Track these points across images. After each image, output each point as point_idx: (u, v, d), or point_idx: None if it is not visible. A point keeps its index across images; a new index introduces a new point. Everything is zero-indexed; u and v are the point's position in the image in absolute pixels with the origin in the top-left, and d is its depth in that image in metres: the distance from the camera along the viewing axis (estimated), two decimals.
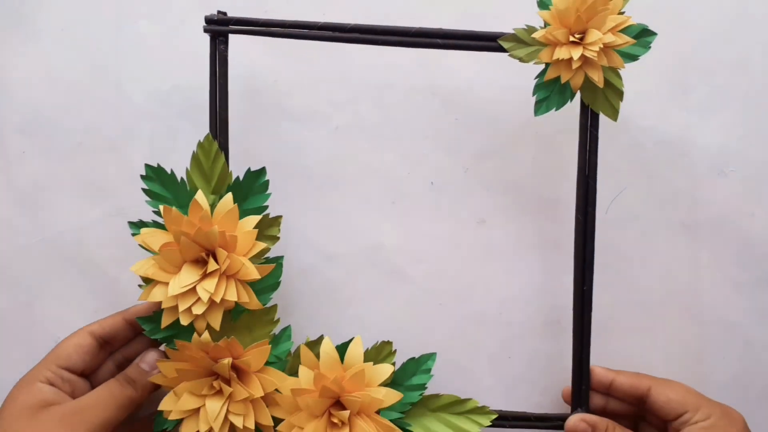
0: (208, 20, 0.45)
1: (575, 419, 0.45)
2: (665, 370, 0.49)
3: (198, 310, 0.41)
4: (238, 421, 0.42)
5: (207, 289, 0.41)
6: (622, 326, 0.50)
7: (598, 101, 0.45)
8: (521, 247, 0.50)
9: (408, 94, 0.50)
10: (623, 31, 0.43)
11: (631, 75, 0.50)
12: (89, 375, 0.44)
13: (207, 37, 0.49)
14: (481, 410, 0.44)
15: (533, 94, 0.45)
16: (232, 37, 0.45)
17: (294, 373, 0.43)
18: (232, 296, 0.42)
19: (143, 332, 0.44)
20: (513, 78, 0.50)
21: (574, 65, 0.43)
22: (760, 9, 0.50)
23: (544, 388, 0.50)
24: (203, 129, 0.49)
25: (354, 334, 0.44)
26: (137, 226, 0.43)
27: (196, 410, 0.42)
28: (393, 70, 0.50)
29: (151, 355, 0.44)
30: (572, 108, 0.50)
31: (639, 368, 0.47)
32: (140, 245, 0.43)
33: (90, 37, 0.50)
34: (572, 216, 0.50)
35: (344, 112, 0.50)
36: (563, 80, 0.44)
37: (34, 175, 0.49)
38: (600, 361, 0.47)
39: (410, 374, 0.45)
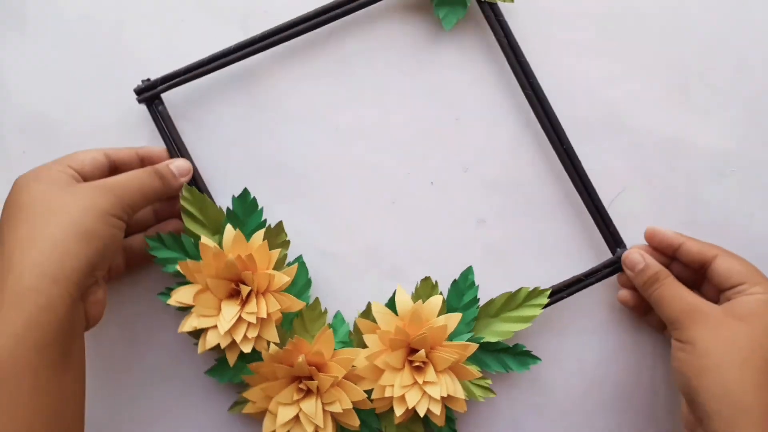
0: (138, 91, 0.47)
1: (634, 251, 0.46)
2: (665, 370, 0.49)
3: (252, 333, 0.43)
4: (336, 408, 0.44)
5: (251, 311, 0.43)
6: (623, 327, 0.49)
7: None
8: (521, 247, 0.50)
9: (408, 94, 0.50)
10: None
11: (631, 75, 0.50)
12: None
13: (207, 37, 0.50)
14: (535, 293, 0.47)
15: (435, 14, 0.49)
16: (230, 32, 0.47)
17: (362, 346, 0.46)
18: (274, 306, 0.44)
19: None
20: (513, 78, 0.50)
21: None
22: (760, 10, 0.50)
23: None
24: (203, 129, 0.50)
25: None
26: (166, 295, 0.46)
27: (296, 418, 0.44)
28: (393, 70, 0.50)
29: (181, 161, 0.46)
30: (573, 108, 0.50)
31: (641, 365, 0.47)
32: (177, 308, 0.46)
33: (90, 37, 0.50)
34: (573, 216, 0.50)
35: (344, 112, 0.50)
36: None
37: None
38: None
39: (460, 295, 0.47)
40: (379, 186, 0.50)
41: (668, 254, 0.46)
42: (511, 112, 0.50)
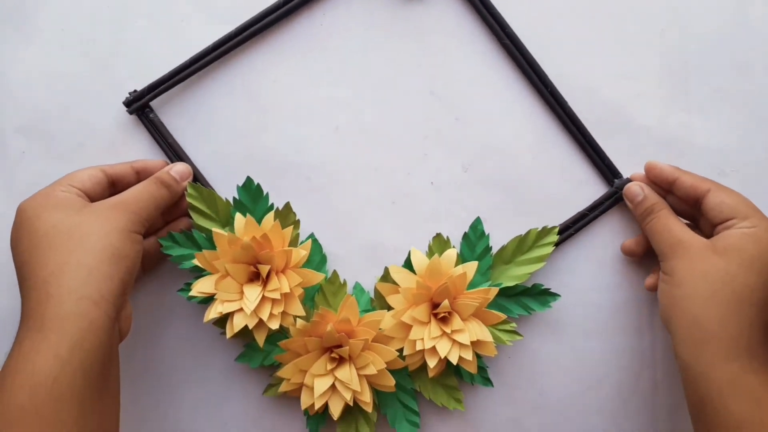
0: (128, 104, 0.48)
1: (634, 184, 0.47)
2: (665, 369, 0.49)
3: (278, 309, 0.44)
4: (370, 371, 0.44)
5: (273, 288, 0.44)
6: (622, 326, 0.49)
7: None
8: None
9: (408, 94, 0.50)
10: None
11: (631, 75, 0.50)
12: None
13: (207, 37, 0.50)
14: (544, 232, 0.48)
15: None
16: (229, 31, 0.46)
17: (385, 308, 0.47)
18: (296, 281, 0.44)
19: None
20: (513, 77, 0.50)
21: None
22: (760, 10, 0.50)
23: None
24: (203, 128, 0.50)
25: None
26: (186, 291, 0.46)
27: (333, 387, 0.45)
28: (393, 70, 0.50)
29: (180, 165, 0.46)
30: (573, 108, 0.50)
31: (641, 364, 0.47)
32: (199, 301, 0.46)
33: (90, 37, 0.50)
34: (572, 216, 0.50)
35: (344, 112, 0.50)
36: None
37: (34, 175, 0.49)
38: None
39: (472, 246, 0.48)
40: (379, 186, 0.50)
41: (665, 188, 0.47)
42: (511, 111, 0.50)
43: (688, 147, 0.50)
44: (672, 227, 0.44)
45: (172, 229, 0.47)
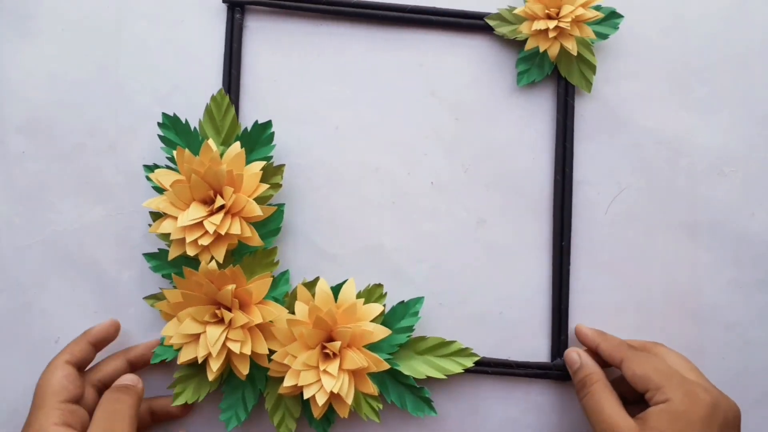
0: None
1: (572, 351, 0.47)
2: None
3: (204, 241, 0.44)
4: (235, 347, 0.44)
5: (213, 222, 0.44)
6: (622, 326, 0.49)
7: (574, 74, 0.50)
8: (521, 247, 0.50)
9: (408, 94, 0.50)
10: (594, 8, 0.48)
11: (631, 75, 0.50)
12: (80, 401, 0.44)
13: (207, 36, 0.50)
14: (465, 352, 0.47)
15: (516, 67, 0.50)
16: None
17: (291, 313, 0.46)
18: (236, 230, 0.44)
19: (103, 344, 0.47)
20: (513, 78, 0.50)
21: (551, 34, 0.48)
22: (760, 9, 0.50)
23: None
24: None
25: None
26: (150, 168, 0.47)
27: (196, 337, 0.44)
28: (393, 70, 0.50)
29: (128, 375, 0.45)
30: (573, 108, 0.50)
31: None
32: (153, 186, 0.46)
33: (90, 37, 0.50)
34: (572, 216, 0.50)
35: (344, 112, 0.50)
36: (541, 49, 0.49)
37: (34, 175, 0.49)
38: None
39: (399, 317, 0.47)
40: (379, 186, 0.50)
41: (594, 355, 0.47)
42: (511, 111, 0.50)
43: (688, 147, 0.50)
44: (603, 406, 0.42)
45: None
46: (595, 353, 0.47)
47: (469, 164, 0.50)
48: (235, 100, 0.49)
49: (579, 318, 0.49)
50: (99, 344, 0.46)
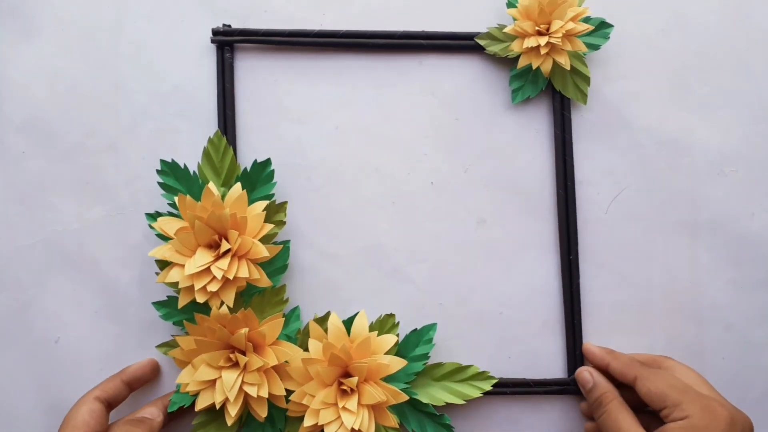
0: (215, 32, 0.49)
1: (584, 370, 0.47)
2: None
3: (213, 287, 0.44)
4: (252, 391, 0.43)
5: (220, 267, 0.44)
6: (622, 326, 0.49)
7: (568, 87, 0.49)
8: (521, 247, 0.50)
9: (408, 94, 0.50)
10: (583, 21, 0.48)
11: (631, 75, 0.50)
12: None
13: (207, 36, 0.50)
14: (482, 376, 0.47)
15: (509, 85, 0.49)
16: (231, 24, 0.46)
17: (305, 350, 0.46)
18: (243, 273, 0.44)
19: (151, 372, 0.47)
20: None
21: (542, 51, 0.48)
22: (760, 9, 0.50)
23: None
24: (203, 128, 0.50)
25: None
26: (153, 217, 0.46)
27: (212, 382, 0.44)
28: (393, 70, 0.50)
29: (150, 409, 0.45)
30: (573, 107, 0.50)
31: None
32: (157, 234, 0.46)
33: (90, 37, 0.50)
34: (573, 216, 0.50)
35: (344, 112, 0.50)
36: (534, 66, 0.49)
37: (34, 175, 0.49)
38: None
39: (413, 346, 0.47)
40: (379, 186, 0.50)
41: (604, 372, 0.47)
42: (511, 112, 0.50)
43: (688, 147, 0.50)
44: (621, 425, 0.42)
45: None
46: (605, 371, 0.47)
47: (469, 164, 0.50)
48: (231, 139, 0.48)
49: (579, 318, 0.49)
50: (134, 384, 0.47)
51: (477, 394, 0.46)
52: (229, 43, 0.49)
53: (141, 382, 0.47)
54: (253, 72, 0.50)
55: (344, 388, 0.44)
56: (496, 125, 0.50)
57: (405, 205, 0.50)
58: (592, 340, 0.49)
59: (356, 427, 0.43)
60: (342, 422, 0.43)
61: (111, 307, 0.49)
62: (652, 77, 0.50)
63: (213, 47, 0.50)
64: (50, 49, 0.50)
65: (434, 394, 0.47)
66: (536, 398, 0.49)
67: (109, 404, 0.45)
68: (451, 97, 0.50)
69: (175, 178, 0.47)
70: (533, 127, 0.50)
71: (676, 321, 0.50)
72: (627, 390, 0.45)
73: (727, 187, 0.50)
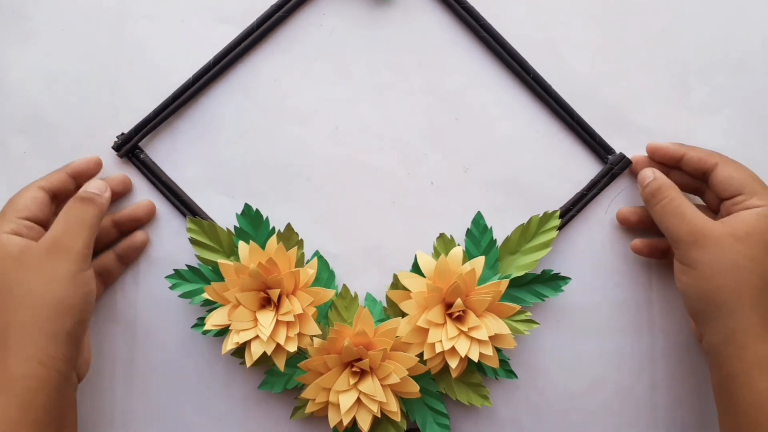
0: (117, 148, 0.48)
1: (646, 169, 0.46)
2: (665, 370, 0.49)
3: (293, 332, 0.44)
4: (393, 380, 0.44)
5: (286, 311, 0.44)
6: (622, 326, 0.50)
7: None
8: None
9: (408, 94, 0.50)
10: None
11: (631, 75, 0.50)
12: (45, 226, 0.43)
13: (207, 37, 0.50)
14: (545, 218, 0.48)
15: None
16: (230, 31, 0.47)
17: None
18: (307, 301, 0.44)
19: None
20: (513, 78, 0.50)
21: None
22: (760, 9, 0.50)
23: None
24: (203, 129, 0.50)
25: None
26: (200, 325, 0.47)
27: (358, 401, 0.44)
28: (393, 70, 0.50)
29: (92, 182, 0.44)
30: (573, 107, 0.50)
31: (641, 364, 0.47)
32: (215, 334, 0.46)
33: (90, 37, 0.50)
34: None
35: (344, 112, 0.50)
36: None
37: (34, 175, 0.49)
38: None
39: (476, 242, 0.48)
40: (379, 186, 0.50)
41: (671, 166, 0.47)
42: (511, 111, 0.50)
43: None
44: (686, 212, 0.43)
45: (128, 244, 0.47)
46: (670, 167, 0.47)
47: (469, 164, 0.50)
48: (198, 212, 0.48)
49: (579, 317, 0.49)
50: (78, 176, 0.46)
51: (554, 234, 0.47)
52: (135, 147, 0.48)
53: (85, 176, 0.46)
54: (253, 72, 0.50)
55: (456, 315, 0.45)
56: (496, 125, 0.50)
57: (405, 205, 0.50)
58: (590, 340, 0.49)
59: (492, 334, 0.44)
60: (478, 340, 0.44)
61: (111, 307, 0.49)
62: (652, 77, 0.50)
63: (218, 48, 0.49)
64: (50, 49, 0.50)
65: (523, 263, 0.47)
66: None
67: (54, 195, 0.44)
68: (451, 97, 0.50)
69: (188, 281, 0.47)
70: (535, 124, 0.50)
71: (676, 321, 0.50)
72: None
73: None
